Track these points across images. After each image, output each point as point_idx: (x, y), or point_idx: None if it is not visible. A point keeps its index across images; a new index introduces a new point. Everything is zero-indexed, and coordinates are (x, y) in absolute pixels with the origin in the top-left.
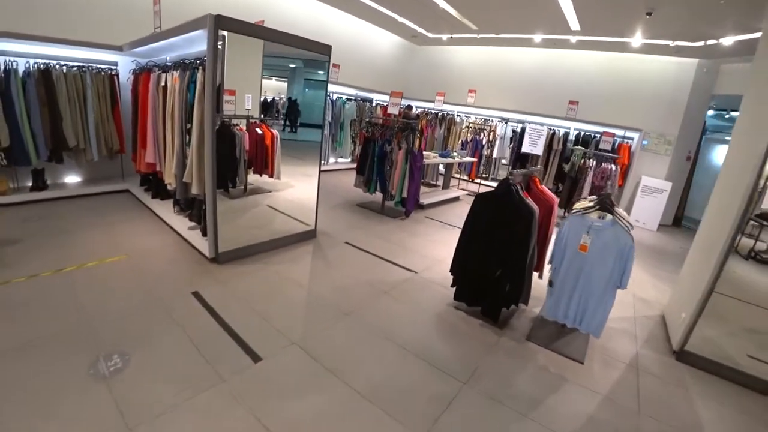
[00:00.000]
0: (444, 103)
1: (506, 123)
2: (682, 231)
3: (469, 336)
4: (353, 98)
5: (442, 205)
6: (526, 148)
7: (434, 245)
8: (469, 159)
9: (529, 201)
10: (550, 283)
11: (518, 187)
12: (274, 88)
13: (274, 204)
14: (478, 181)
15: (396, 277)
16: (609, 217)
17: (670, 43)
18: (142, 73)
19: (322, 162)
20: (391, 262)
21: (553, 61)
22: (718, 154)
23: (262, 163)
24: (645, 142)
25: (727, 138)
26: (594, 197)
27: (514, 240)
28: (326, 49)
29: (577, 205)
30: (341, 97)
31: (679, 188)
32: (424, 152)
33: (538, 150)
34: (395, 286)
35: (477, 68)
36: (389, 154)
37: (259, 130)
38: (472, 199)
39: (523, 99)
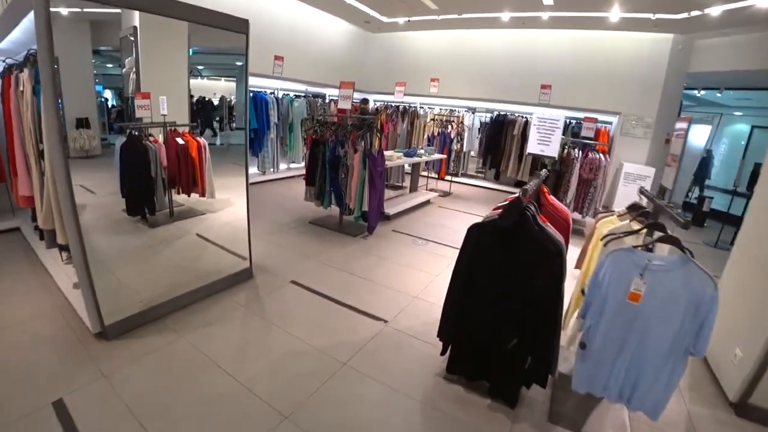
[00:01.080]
0: (405, 94)
1: (473, 113)
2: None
3: (472, 429)
4: (303, 95)
5: (411, 213)
6: (533, 147)
7: (407, 272)
8: (437, 156)
9: (551, 229)
10: (582, 345)
11: (534, 209)
12: (225, 89)
13: (205, 231)
14: (448, 178)
15: (360, 333)
16: (674, 252)
17: (651, 16)
18: (5, 75)
19: (272, 169)
20: (352, 308)
21: (522, 42)
22: (695, 135)
23: (189, 180)
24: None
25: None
26: (624, 210)
27: (537, 292)
28: (241, 25)
29: (608, 225)
30: (288, 94)
31: (660, 173)
32: (386, 152)
33: (552, 150)
34: (359, 348)
35: (439, 55)
36: (343, 158)
37: (181, 140)
38: (446, 200)
39: (491, 86)
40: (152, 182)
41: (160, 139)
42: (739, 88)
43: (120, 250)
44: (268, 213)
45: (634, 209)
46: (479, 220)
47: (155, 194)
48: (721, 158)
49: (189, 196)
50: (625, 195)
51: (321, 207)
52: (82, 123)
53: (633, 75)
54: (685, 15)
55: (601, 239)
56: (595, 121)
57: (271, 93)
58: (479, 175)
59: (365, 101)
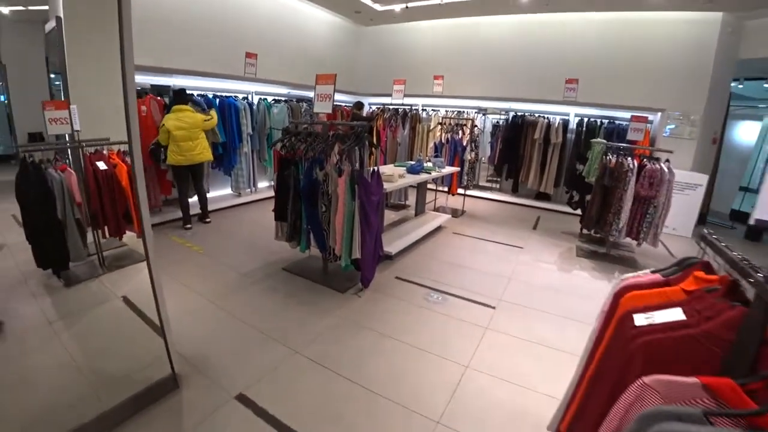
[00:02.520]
0: (405, 95)
1: (485, 114)
2: (714, 230)
3: None
4: (284, 99)
5: (419, 245)
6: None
7: (421, 362)
8: (449, 170)
9: None
10: None
11: None
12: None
13: (136, 291)
14: (460, 191)
15: None
16: None
17: None
18: None
19: (248, 189)
20: None
21: (542, 30)
22: (745, 132)
23: (116, 217)
24: (670, 127)
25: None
26: (670, 268)
27: None
28: None
29: (639, 303)
30: (265, 99)
31: (713, 180)
32: (384, 168)
33: None
34: None
35: (443, 48)
36: (322, 184)
37: (102, 165)
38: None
39: (506, 82)
40: (60, 225)
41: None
42: None
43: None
44: (231, 254)
45: (687, 270)
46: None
47: (66, 240)
48: None
49: (120, 238)
50: (672, 208)
51: (297, 248)
52: (35, 137)
53: (676, 65)
54: None
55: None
56: (646, 120)
57: (243, 98)
58: (492, 185)
59: (359, 105)
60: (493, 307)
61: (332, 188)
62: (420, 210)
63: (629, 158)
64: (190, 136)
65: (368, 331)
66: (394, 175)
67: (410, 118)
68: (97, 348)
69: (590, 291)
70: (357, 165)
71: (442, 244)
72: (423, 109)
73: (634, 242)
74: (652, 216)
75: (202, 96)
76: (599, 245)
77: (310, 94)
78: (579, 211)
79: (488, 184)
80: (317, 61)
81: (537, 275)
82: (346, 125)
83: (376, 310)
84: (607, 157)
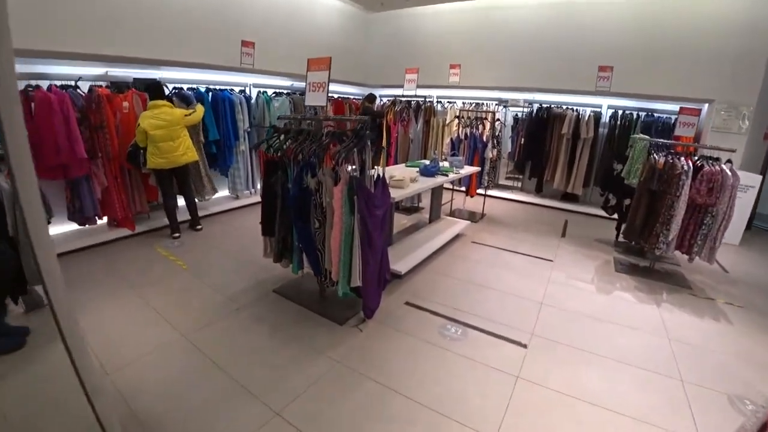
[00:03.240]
0: (418, 86)
1: (505, 107)
2: (760, 236)
3: None
4: (286, 92)
5: (434, 259)
6: None
7: None
8: (469, 170)
9: None
10: None
11: None
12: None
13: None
14: (481, 191)
15: None
16: None
17: None
18: None
19: (248, 191)
20: None
21: (570, 10)
22: None
23: None
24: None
25: None
26: None
27: None
28: None
29: None
30: (264, 92)
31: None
32: (394, 170)
33: None
34: None
35: (459, 34)
36: (314, 194)
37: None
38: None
39: (529, 71)
40: (13, 242)
41: None
42: None
43: None
44: (218, 270)
45: None
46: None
47: (21, 260)
48: None
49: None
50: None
51: (290, 266)
52: None
53: (725, 49)
54: None
55: None
56: (698, 113)
57: (240, 91)
58: (512, 183)
59: (371, 98)
60: (525, 345)
61: (326, 199)
62: (435, 216)
63: (681, 158)
64: (170, 135)
65: (370, 383)
66: (405, 180)
67: (424, 111)
68: (33, 409)
69: (638, 320)
70: (357, 171)
71: (460, 257)
72: (438, 101)
73: (685, 256)
74: (709, 227)
75: (192, 90)
76: (639, 257)
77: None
78: (615, 216)
79: (509, 182)
80: (323, 51)
81: (573, 298)
82: (344, 120)
83: (381, 351)
84: (654, 157)
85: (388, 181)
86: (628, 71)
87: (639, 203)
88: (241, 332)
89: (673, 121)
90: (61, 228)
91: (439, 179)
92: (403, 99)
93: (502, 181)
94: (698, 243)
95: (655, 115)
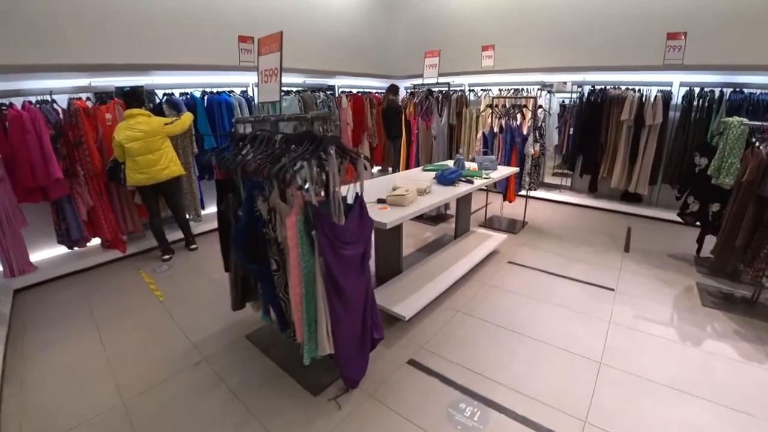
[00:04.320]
0: (443, 74)
1: (550, 92)
2: None
3: None
4: (296, 90)
5: (454, 290)
6: None
7: None
8: (505, 172)
9: None
10: None
11: None
12: None
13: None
14: (523, 193)
15: None
16: None
17: None
18: None
19: None
20: None
21: None
22: None
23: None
24: None
25: None
26: None
27: None
28: None
29: None
30: None
31: None
32: (400, 178)
33: None
34: None
35: (491, 9)
36: (267, 224)
37: None
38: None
39: (577, 47)
40: None
41: None
42: None
43: None
44: (194, 305)
45: None
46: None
47: None
48: None
49: None
50: None
51: (258, 313)
52: None
53: None
54: None
55: None
56: None
57: (242, 92)
58: (560, 182)
59: (394, 89)
60: None
61: (276, 231)
62: (463, 229)
63: None
64: (148, 148)
65: None
66: (409, 193)
67: (454, 102)
68: None
69: (746, 391)
70: (319, 192)
71: (491, 286)
72: (470, 90)
73: None
74: None
75: (185, 95)
76: (733, 282)
77: (331, 81)
78: (697, 224)
79: (556, 180)
80: (338, 40)
81: (646, 353)
82: (301, 119)
83: None
84: (761, 147)
85: (384, 198)
86: (707, 36)
87: (740, 214)
88: (192, 399)
89: None
90: (50, 252)
91: (460, 188)
92: (423, 88)
93: (547, 179)
94: None
95: (746, 91)
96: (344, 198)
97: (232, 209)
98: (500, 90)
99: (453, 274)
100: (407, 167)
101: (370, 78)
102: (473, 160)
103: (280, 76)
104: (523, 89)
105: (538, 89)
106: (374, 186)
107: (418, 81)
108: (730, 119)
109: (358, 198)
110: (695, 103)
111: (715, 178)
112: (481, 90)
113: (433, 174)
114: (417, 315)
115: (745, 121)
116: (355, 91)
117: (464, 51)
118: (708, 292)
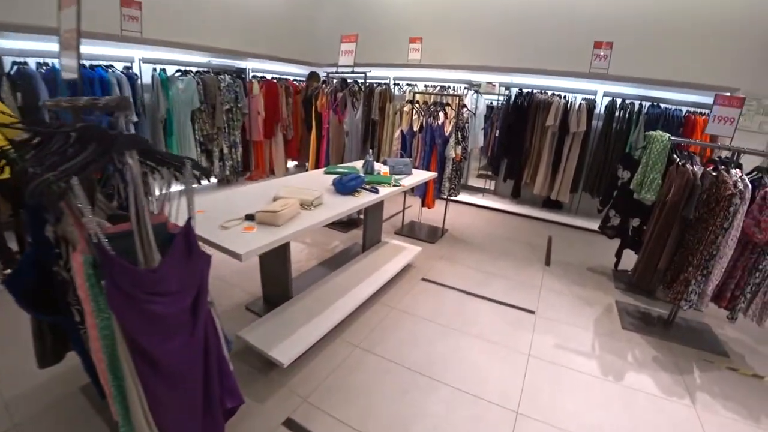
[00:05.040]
0: (365, 65)
1: (477, 92)
2: None
3: None
4: (199, 70)
5: (357, 317)
6: None
7: None
8: (420, 178)
9: None
10: None
11: None
12: None
13: None
14: (444, 197)
15: None
16: None
17: None
18: None
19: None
20: None
21: None
22: None
23: None
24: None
25: None
26: None
27: None
28: None
29: None
30: (161, 71)
31: None
32: (284, 186)
33: None
34: None
35: (422, 1)
36: (58, 260)
37: None
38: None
39: (508, 47)
40: None
41: None
42: None
43: None
44: (14, 345)
45: None
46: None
47: None
48: None
49: None
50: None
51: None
52: None
53: (757, 23)
54: None
55: None
56: (739, 103)
57: (126, 68)
58: (484, 184)
59: (316, 77)
60: None
61: (70, 274)
62: (372, 240)
63: (734, 170)
64: None
65: None
66: (286, 209)
67: (377, 96)
68: None
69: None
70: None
71: (401, 311)
72: (395, 83)
73: (725, 311)
74: (765, 274)
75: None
76: (649, 298)
77: (243, 64)
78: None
79: (479, 183)
80: (252, 19)
81: (568, 394)
82: (93, 105)
83: None
84: (686, 166)
85: (253, 215)
86: (632, 49)
87: (663, 235)
88: None
89: (684, 114)
90: None
91: (361, 199)
92: (337, 78)
93: (471, 182)
94: (746, 296)
95: (662, 105)
96: (162, 226)
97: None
98: (426, 86)
99: (355, 298)
100: (317, 165)
101: (290, 64)
102: (384, 161)
103: (78, 44)
104: (449, 87)
105: (465, 88)
106: (250, 195)
107: (333, 69)
108: (654, 133)
109: (188, 228)
110: (617, 114)
111: (636, 192)
112: (407, 85)
113: (337, 177)
114: (305, 353)
115: (669, 136)
116: (270, 77)
117: (391, 42)
118: (627, 311)
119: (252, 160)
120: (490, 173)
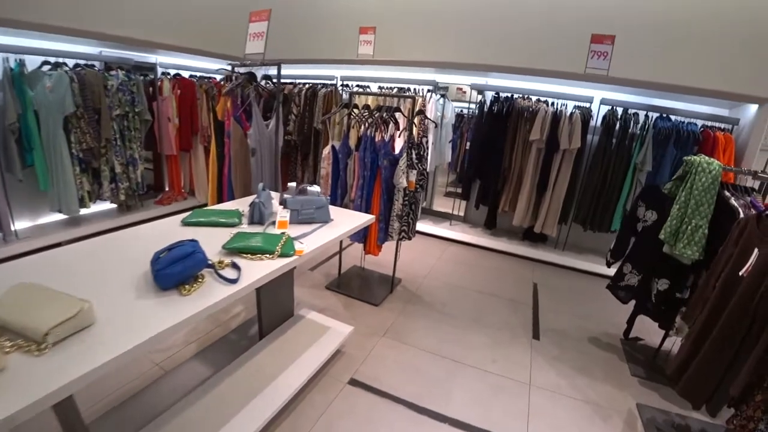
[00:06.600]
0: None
1: (443, 96)
2: None
3: None
4: (79, 62)
5: None
6: None
7: None
8: (353, 224)
9: None
10: None
11: None
12: None
13: None
14: (394, 236)
15: None
16: None
17: None
18: None
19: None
20: None
21: None
22: None
23: None
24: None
25: None
26: None
27: None
28: None
29: None
30: (17, 62)
31: None
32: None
33: None
34: None
35: None
36: None
37: None
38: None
39: (481, 40)
40: None
41: None
42: None
43: None
44: None
45: None
46: None
47: None
48: None
49: None
50: None
51: None
52: None
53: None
54: None
55: None
56: None
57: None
58: (451, 208)
59: (251, 77)
60: None
61: None
62: (276, 316)
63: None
64: None
65: None
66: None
67: (321, 101)
68: None
69: None
70: None
71: None
72: (344, 85)
73: None
74: None
75: None
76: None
77: (152, 57)
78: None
79: (446, 206)
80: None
81: None
82: None
83: None
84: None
85: None
86: (640, 46)
87: (732, 337)
88: None
89: (700, 129)
90: None
91: (204, 301)
92: (241, 73)
93: (437, 205)
94: None
95: (674, 118)
96: None
97: None
98: (380, 88)
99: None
100: (219, 199)
101: (214, 59)
102: (282, 205)
103: None
104: (409, 89)
105: (428, 90)
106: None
107: (294, 70)
108: (696, 158)
109: None
110: (619, 125)
111: (668, 244)
112: (357, 86)
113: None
114: None
115: (718, 163)
116: (186, 74)
117: (338, 33)
118: (658, 427)
119: (165, 179)
120: (460, 191)
